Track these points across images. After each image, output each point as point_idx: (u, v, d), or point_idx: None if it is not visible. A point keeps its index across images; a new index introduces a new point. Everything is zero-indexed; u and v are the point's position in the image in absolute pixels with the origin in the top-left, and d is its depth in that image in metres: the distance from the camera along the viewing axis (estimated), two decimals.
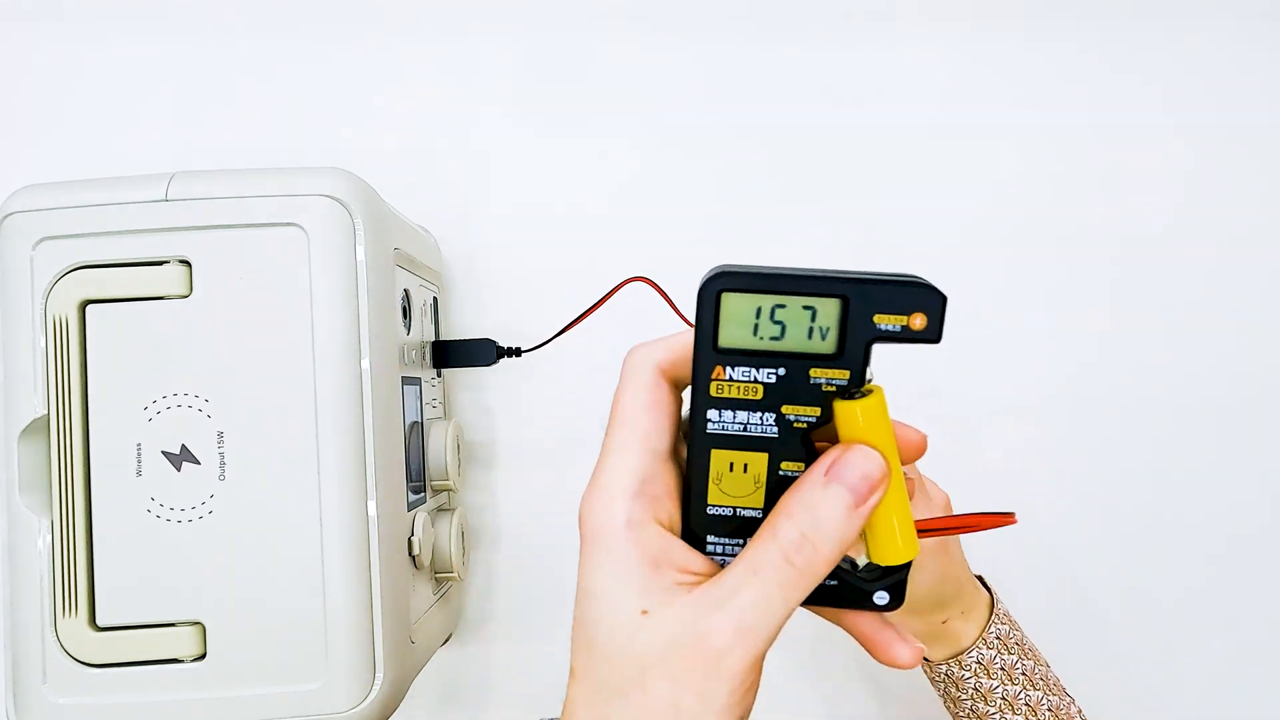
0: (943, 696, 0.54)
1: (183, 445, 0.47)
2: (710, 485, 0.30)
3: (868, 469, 0.28)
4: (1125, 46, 0.68)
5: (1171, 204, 0.67)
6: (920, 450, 0.31)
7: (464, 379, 0.67)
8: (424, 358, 0.60)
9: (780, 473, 0.29)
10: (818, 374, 0.28)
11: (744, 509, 0.30)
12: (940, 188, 0.68)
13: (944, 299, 0.28)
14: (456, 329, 0.68)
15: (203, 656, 0.46)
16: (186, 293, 0.47)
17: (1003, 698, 0.51)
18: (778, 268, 0.28)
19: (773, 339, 0.28)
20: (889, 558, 0.29)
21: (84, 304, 0.47)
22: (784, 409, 0.29)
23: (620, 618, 0.28)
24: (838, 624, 0.32)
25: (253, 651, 0.46)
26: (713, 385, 0.29)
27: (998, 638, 0.52)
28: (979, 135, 0.68)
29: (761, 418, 0.29)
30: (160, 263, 0.47)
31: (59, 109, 0.68)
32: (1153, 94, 0.68)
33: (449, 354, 0.63)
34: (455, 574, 0.58)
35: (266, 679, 0.46)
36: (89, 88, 0.68)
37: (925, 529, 0.32)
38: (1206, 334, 0.67)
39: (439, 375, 0.64)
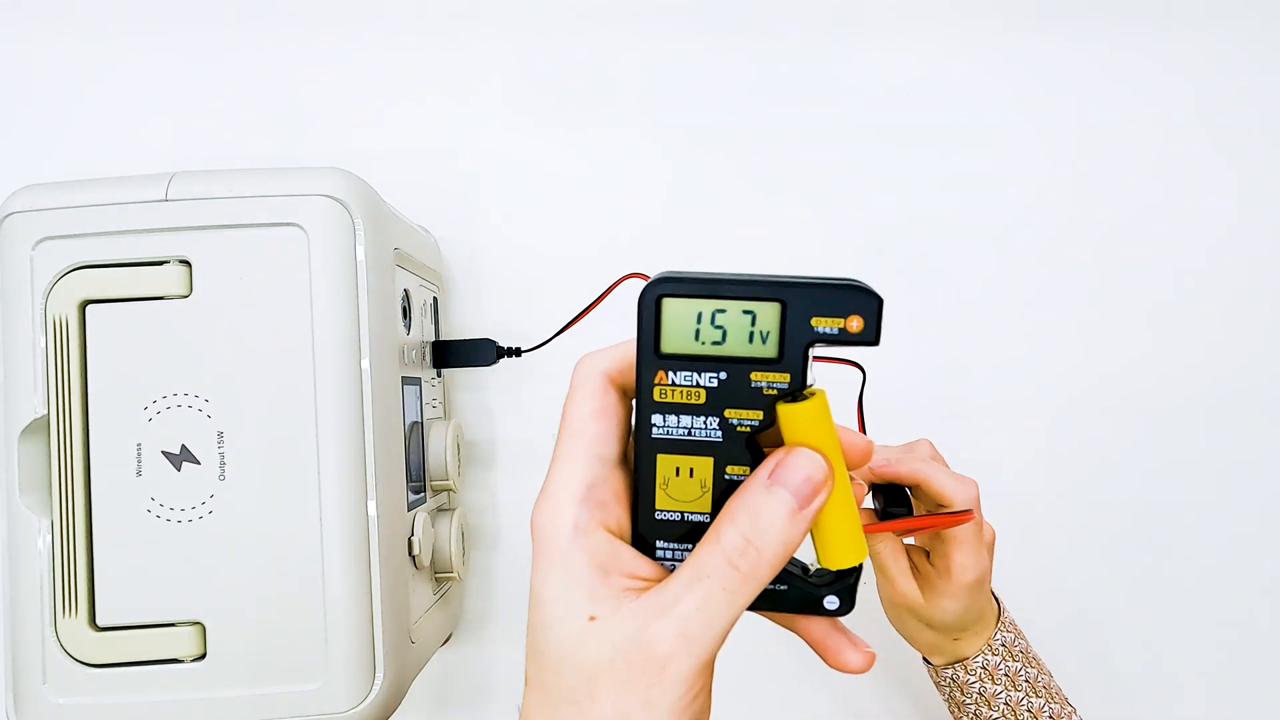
0: (947, 700, 0.55)
1: (183, 445, 0.46)
2: (657, 490, 0.30)
3: (810, 471, 0.28)
4: (1119, 44, 0.68)
5: (1183, 205, 0.68)
6: (866, 456, 0.30)
7: (464, 379, 0.67)
8: (424, 358, 0.60)
9: (726, 477, 0.29)
10: (759, 377, 0.29)
11: (691, 514, 0.30)
12: (942, 187, 0.68)
13: (880, 301, 0.28)
14: (456, 329, 0.68)
15: (203, 656, 0.46)
16: (186, 293, 0.47)
17: (1005, 703, 0.51)
18: (718, 273, 0.29)
19: (714, 344, 0.29)
20: (837, 561, 0.29)
21: (84, 304, 0.47)
22: (727, 413, 0.29)
23: (568, 625, 0.28)
24: (789, 629, 0.32)
25: (253, 651, 0.46)
26: (655, 390, 0.29)
27: (1003, 645, 0.52)
28: (980, 135, 0.68)
29: (705, 422, 0.29)
30: (160, 263, 0.47)
31: (59, 109, 0.68)
32: (1144, 93, 0.68)
33: (449, 354, 0.62)
34: (455, 574, 0.58)
35: (266, 679, 0.46)
36: (90, 88, 0.68)
37: (876, 530, 0.32)
38: (1208, 336, 0.67)
39: (439, 375, 0.64)
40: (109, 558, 0.46)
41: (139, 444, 0.46)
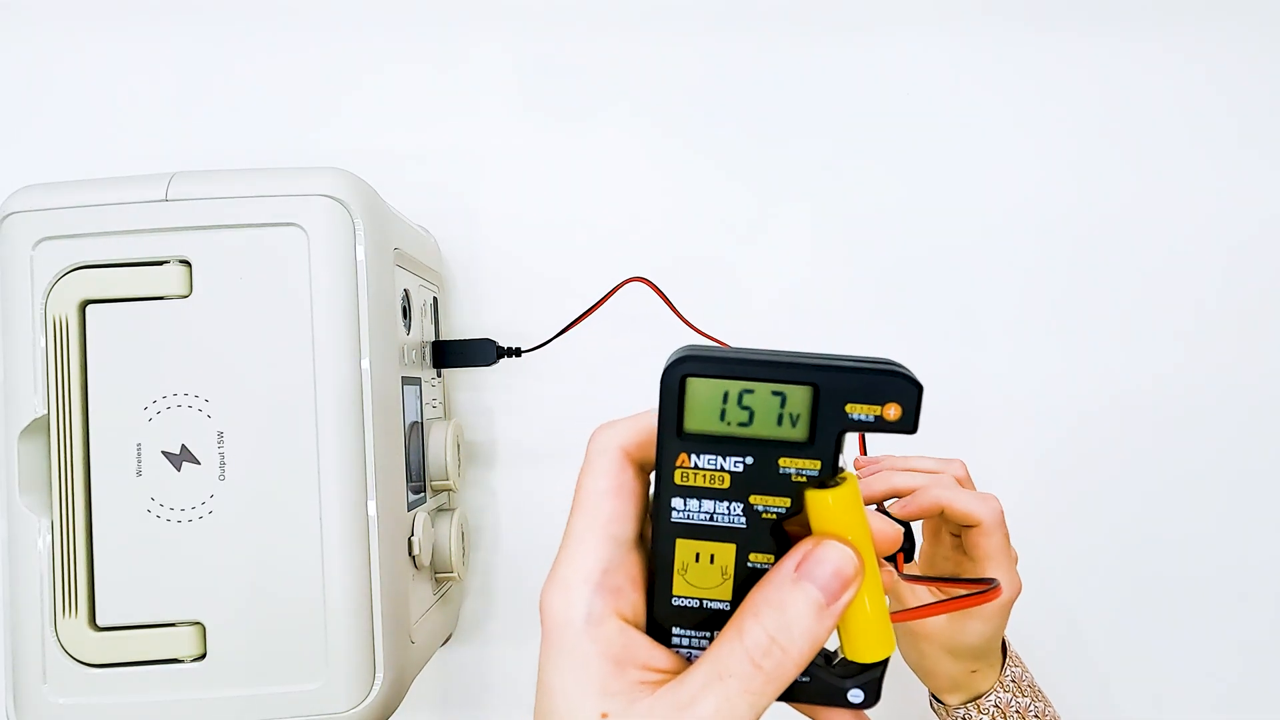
0: None
1: (183, 445, 0.46)
2: (675, 576, 0.29)
3: (840, 565, 0.26)
4: (1129, 44, 0.68)
5: (1196, 209, 0.67)
6: (895, 544, 0.29)
7: (464, 379, 0.67)
8: (424, 358, 0.60)
9: (749, 565, 0.28)
10: (787, 463, 0.27)
11: (711, 600, 0.29)
12: (942, 187, 0.68)
13: (919, 389, 0.26)
14: (456, 329, 0.68)
15: (203, 656, 0.46)
16: (186, 293, 0.47)
17: None
18: (747, 351, 0.27)
19: (740, 425, 0.27)
20: (864, 655, 0.28)
21: (84, 304, 0.47)
22: (752, 499, 0.28)
23: (580, 719, 0.26)
24: (809, 716, 0.31)
25: (253, 651, 0.46)
26: (677, 473, 0.28)
27: (1013, 681, 0.52)
28: (979, 134, 0.68)
29: (729, 507, 0.28)
30: (160, 263, 0.47)
31: (59, 109, 0.68)
32: (1146, 91, 0.68)
33: (449, 354, 0.63)
34: (455, 574, 0.58)
35: (266, 679, 0.46)
36: (89, 88, 0.68)
37: (903, 619, 0.30)
38: (1208, 337, 0.67)
39: (439, 375, 0.64)
40: (109, 558, 0.46)
41: (139, 444, 0.46)
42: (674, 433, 0.27)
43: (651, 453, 0.28)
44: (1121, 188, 0.67)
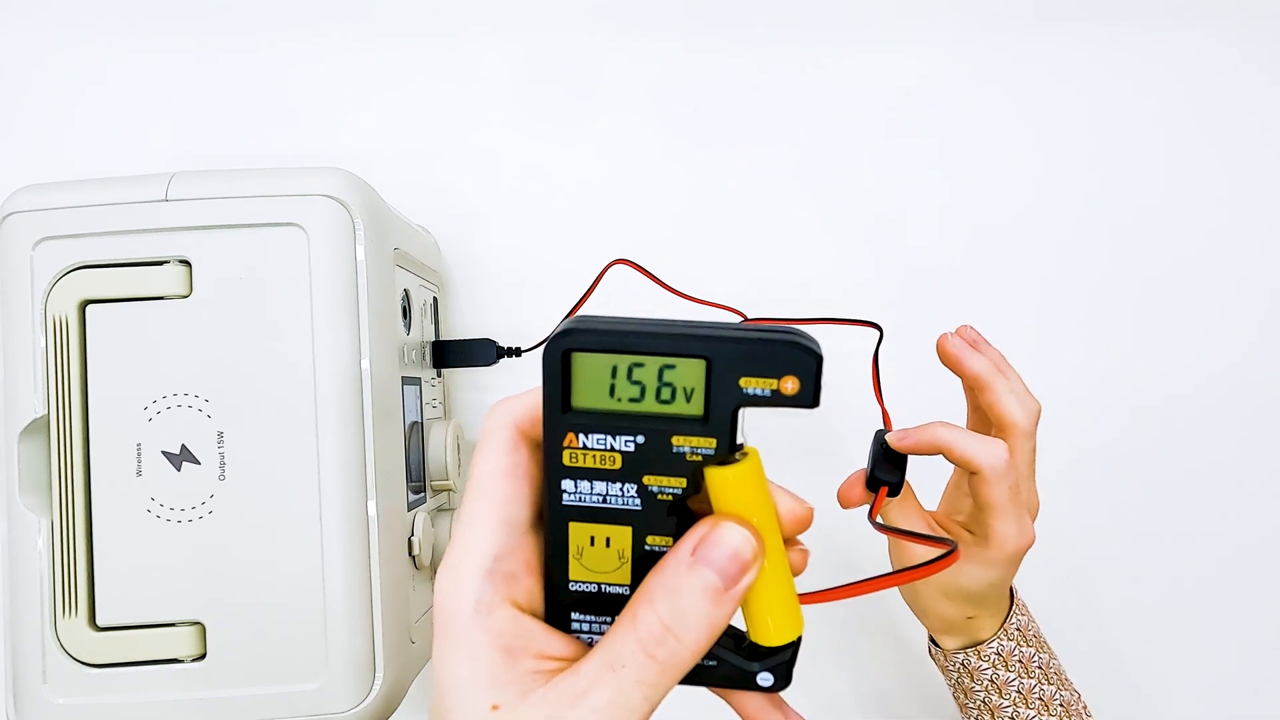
0: (953, 686, 0.52)
1: (183, 445, 0.46)
2: (571, 560, 0.27)
3: (738, 547, 0.25)
4: (1129, 44, 0.68)
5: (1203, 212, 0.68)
6: (805, 524, 0.27)
7: (464, 379, 0.67)
8: (424, 358, 0.60)
9: (646, 547, 0.27)
10: (681, 441, 0.25)
11: (609, 585, 0.27)
12: (944, 186, 0.68)
13: (818, 359, 0.25)
14: (456, 329, 0.68)
15: (203, 656, 0.46)
16: (186, 293, 0.47)
17: (1018, 691, 0.49)
18: (636, 321, 0.25)
19: (631, 400, 0.25)
20: (770, 639, 0.27)
21: (84, 304, 0.47)
22: (646, 479, 0.26)
23: (470, 712, 0.25)
24: (724, 700, 0.30)
25: (253, 651, 0.46)
26: (565, 454, 0.26)
27: (1018, 629, 0.50)
28: (983, 134, 0.68)
29: (622, 489, 0.26)
30: (160, 263, 0.47)
31: (59, 109, 0.68)
32: (1149, 90, 0.68)
33: (449, 354, 0.62)
34: None
35: (266, 679, 0.46)
36: (89, 88, 0.68)
37: (815, 600, 0.29)
38: (1211, 338, 0.67)
39: (439, 375, 0.64)
40: (109, 558, 0.46)
41: (139, 444, 0.46)
42: (559, 410, 0.26)
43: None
44: (1141, 187, 0.68)
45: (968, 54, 0.68)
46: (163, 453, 0.46)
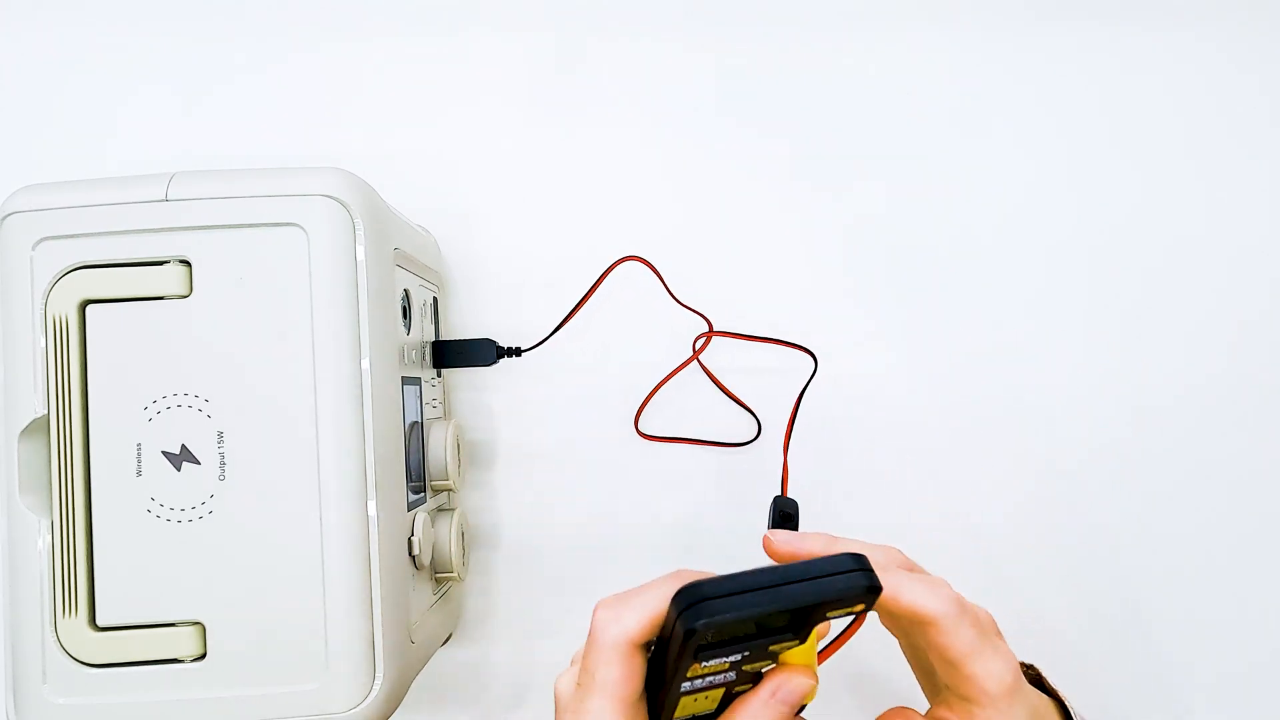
0: None
1: (183, 445, 0.47)
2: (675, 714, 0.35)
3: (806, 691, 0.34)
4: (1134, 45, 0.68)
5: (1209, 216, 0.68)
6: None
7: (464, 379, 0.67)
8: (424, 358, 0.60)
9: (733, 693, 0.35)
10: (777, 648, 0.33)
11: (699, 713, 0.35)
12: (948, 184, 0.68)
13: (879, 590, 0.32)
14: (456, 329, 0.68)
15: (203, 656, 0.46)
16: (186, 293, 0.47)
17: None
18: (748, 581, 0.31)
19: (746, 636, 0.32)
20: None
21: (84, 304, 0.47)
22: (745, 667, 0.33)
23: None
24: None
25: (253, 651, 0.46)
26: (688, 682, 0.33)
27: None
28: (986, 134, 0.68)
29: (724, 676, 0.33)
30: (160, 263, 0.47)
31: (59, 108, 0.68)
32: (1143, 97, 0.68)
33: (449, 354, 0.63)
34: (455, 574, 0.58)
35: (266, 679, 0.46)
36: (89, 87, 0.68)
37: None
38: (1212, 338, 0.67)
39: (439, 375, 0.64)
40: (109, 558, 0.46)
41: (139, 444, 0.46)
42: (690, 657, 0.31)
43: (656, 630, 0.33)
44: (1128, 191, 0.68)
45: (968, 54, 0.68)
46: (163, 453, 0.46)
